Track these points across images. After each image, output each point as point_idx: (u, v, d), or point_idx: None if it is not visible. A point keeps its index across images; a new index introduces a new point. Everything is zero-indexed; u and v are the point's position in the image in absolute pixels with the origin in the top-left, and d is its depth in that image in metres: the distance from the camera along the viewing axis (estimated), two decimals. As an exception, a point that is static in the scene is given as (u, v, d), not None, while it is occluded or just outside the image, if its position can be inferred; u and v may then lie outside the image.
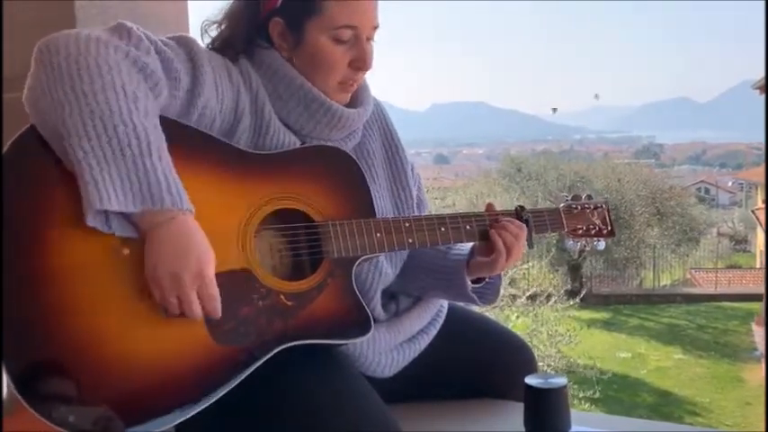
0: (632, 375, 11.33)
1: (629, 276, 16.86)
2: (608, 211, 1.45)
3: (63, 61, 0.94)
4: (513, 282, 8.46)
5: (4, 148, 0.96)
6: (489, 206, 1.33)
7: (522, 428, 1.14)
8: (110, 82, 0.94)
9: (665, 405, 10.17)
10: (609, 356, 11.81)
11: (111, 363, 0.95)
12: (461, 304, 1.45)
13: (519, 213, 1.32)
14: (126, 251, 0.97)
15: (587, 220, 1.41)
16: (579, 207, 1.42)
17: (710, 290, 16.24)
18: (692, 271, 18.37)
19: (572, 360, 8.85)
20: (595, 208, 1.43)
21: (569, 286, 12.86)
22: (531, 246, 1.32)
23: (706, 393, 10.57)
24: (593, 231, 1.41)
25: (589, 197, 1.44)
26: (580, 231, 1.41)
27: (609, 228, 1.43)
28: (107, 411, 0.94)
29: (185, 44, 1.10)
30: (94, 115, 0.92)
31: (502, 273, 1.36)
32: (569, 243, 1.42)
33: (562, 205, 1.41)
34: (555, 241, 10.68)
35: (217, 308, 0.98)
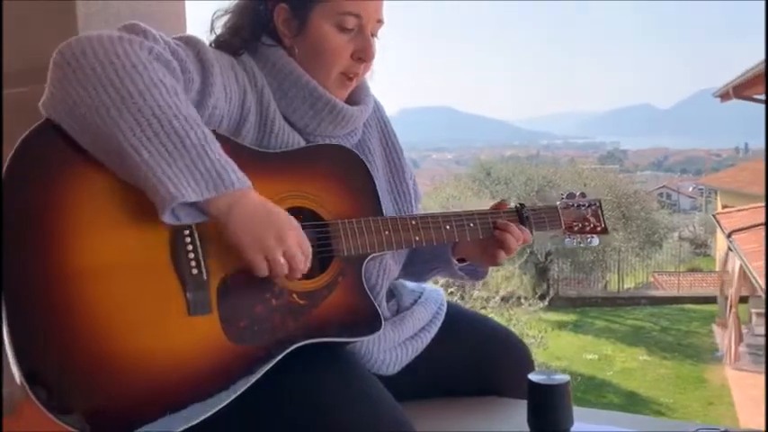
0: (599, 376, 11.49)
1: (595, 279, 17.15)
2: (601, 209, 1.49)
3: (96, 64, 0.92)
4: (484, 284, 8.54)
5: (14, 145, 0.94)
6: (502, 205, 1.37)
7: (526, 426, 1.16)
8: (149, 79, 0.94)
9: (631, 405, 10.34)
10: (576, 358, 11.98)
11: (127, 363, 0.94)
12: (457, 302, 1.48)
13: (520, 211, 1.36)
14: (142, 251, 0.97)
15: (582, 217, 1.46)
16: (575, 204, 1.46)
17: (673, 292, 16.61)
18: (655, 274, 18.75)
19: (542, 361, 8.97)
20: (589, 206, 1.48)
21: (539, 289, 13.02)
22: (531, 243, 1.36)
23: (670, 393, 10.78)
24: (587, 228, 1.46)
25: (583, 195, 1.49)
26: (576, 228, 1.45)
27: (602, 224, 1.47)
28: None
29: (194, 45, 1.10)
30: (146, 114, 0.92)
31: None
32: (566, 240, 1.46)
33: (559, 203, 1.45)
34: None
35: (301, 263, 1.03)
